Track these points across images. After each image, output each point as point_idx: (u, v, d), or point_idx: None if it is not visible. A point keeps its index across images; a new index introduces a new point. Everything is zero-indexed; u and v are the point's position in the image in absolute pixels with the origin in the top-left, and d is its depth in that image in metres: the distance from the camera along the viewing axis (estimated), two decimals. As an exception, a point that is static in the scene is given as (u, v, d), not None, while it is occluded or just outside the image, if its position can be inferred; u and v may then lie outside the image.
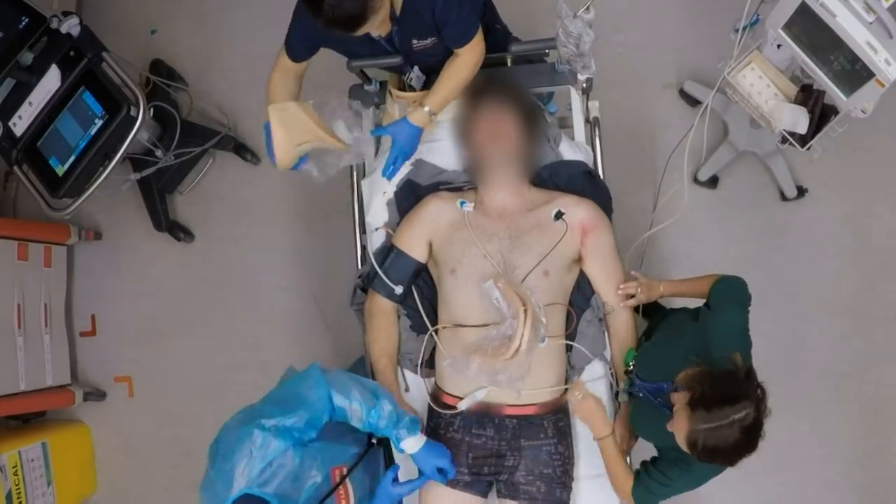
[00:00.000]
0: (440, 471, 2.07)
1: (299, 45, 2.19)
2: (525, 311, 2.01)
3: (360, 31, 1.92)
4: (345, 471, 1.97)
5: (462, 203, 2.22)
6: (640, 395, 2.10)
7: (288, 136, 2.12)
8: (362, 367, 2.45)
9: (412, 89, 2.35)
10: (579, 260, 2.24)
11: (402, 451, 2.04)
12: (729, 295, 2.07)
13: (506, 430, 2.15)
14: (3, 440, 3.02)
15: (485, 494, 2.20)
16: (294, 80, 2.26)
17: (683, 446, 1.83)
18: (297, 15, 2.14)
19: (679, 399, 1.84)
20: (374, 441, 2.12)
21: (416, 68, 2.29)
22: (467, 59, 2.16)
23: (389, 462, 2.20)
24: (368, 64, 2.32)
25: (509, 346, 2.01)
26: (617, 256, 2.26)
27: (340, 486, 1.94)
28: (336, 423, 1.97)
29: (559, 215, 2.18)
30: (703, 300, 2.11)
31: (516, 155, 2.20)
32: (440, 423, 2.20)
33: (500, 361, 2.02)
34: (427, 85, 2.32)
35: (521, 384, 2.06)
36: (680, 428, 1.82)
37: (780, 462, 3.01)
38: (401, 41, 2.17)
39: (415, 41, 2.15)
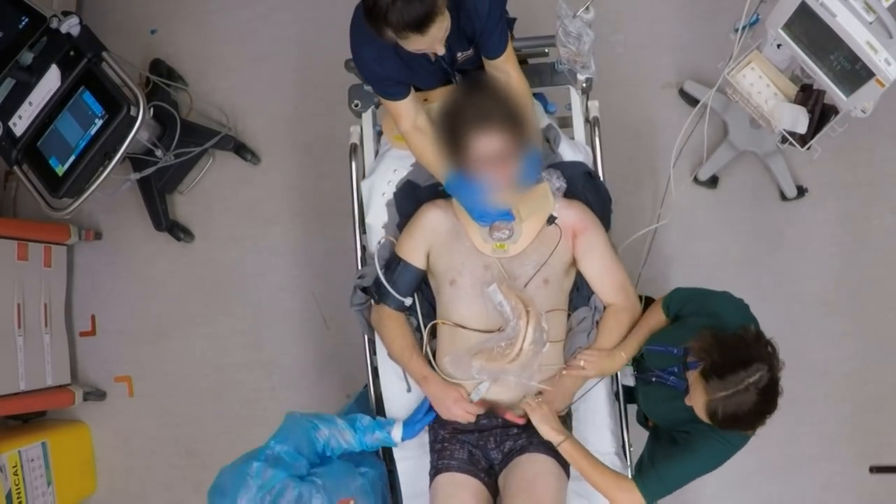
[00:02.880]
0: (429, 412, 2.22)
1: (388, 86, 2.14)
2: (528, 312, 2.02)
3: (429, 34, 1.86)
4: (352, 503, 2.02)
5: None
6: (653, 379, 2.09)
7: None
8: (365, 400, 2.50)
9: None
10: (574, 262, 2.23)
11: (395, 444, 2.22)
12: (695, 295, 2.10)
13: (510, 426, 2.17)
14: (3, 440, 3.02)
15: (494, 480, 2.18)
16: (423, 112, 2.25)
17: (704, 418, 1.82)
18: (359, 65, 2.12)
19: (694, 375, 1.85)
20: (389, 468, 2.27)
21: (458, 76, 2.28)
22: (518, 79, 2.18)
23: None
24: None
25: (512, 348, 2.02)
26: (611, 253, 2.24)
27: None
28: (340, 461, 2.12)
29: (552, 220, 2.17)
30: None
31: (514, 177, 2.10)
32: (446, 423, 2.19)
33: (503, 363, 2.03)
34: None
35: (534, 384, 2.09)
36: (697, 400, 1.82)
37: (780, 462, 3.01)
38: (451, 56, 2.15)
39: (459, 54, 2.15)
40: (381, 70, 2.09)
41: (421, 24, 1.83)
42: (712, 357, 1.80)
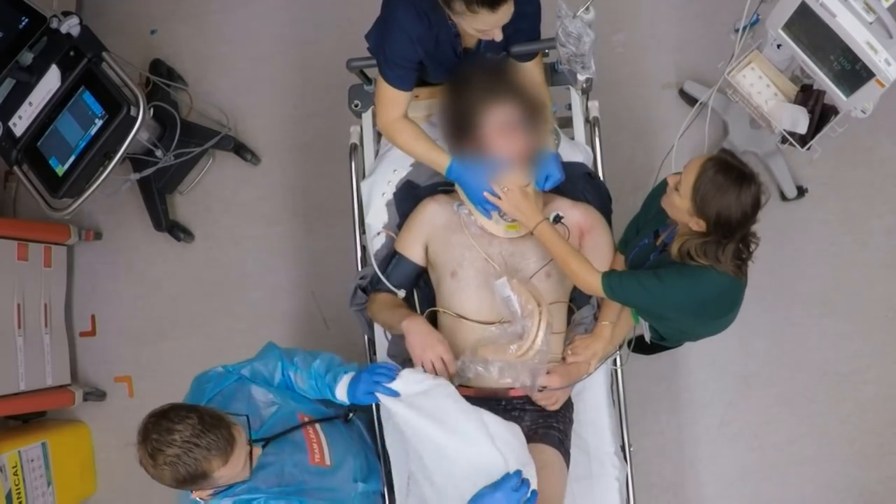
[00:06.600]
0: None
1: (404, 72, 2.11)
2: (540, 311, 2.03)
3: (499, 11, 1.87)
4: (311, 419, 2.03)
5: (459, 206, 2.21)
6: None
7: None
8: None
9: None
10: None
11: (339, 401, 2.02)
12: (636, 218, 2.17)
13: (513, 409, 2.15)
14: (3, 440, 3.02)
15: None
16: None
17: (689, 186, 1.80)
18: (391, 41, 2.07)
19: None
20: (351, 414, 2.19)
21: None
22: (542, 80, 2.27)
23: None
24: (370, 64, 2.31)
25: (521, 345, 2.03)
26: (615, 253, 2.26)
27: (312, 432, 1.98)
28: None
29: (557, 219, 2.17)
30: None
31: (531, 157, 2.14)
32: None
33: (511, 357, 2.04)
34: None
35: (540, 378, 2.08)
36: (698, 159, 1.82)
37: (780, 462, 3.01)
38: (484, 53, 2.17)
39: (489, 55, 2.17)
40: (415, 52, 2.08)
41: (496, 1, 1.85)
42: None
